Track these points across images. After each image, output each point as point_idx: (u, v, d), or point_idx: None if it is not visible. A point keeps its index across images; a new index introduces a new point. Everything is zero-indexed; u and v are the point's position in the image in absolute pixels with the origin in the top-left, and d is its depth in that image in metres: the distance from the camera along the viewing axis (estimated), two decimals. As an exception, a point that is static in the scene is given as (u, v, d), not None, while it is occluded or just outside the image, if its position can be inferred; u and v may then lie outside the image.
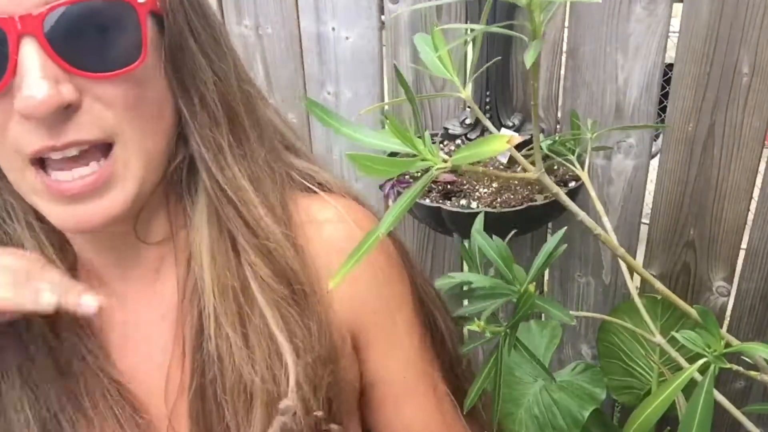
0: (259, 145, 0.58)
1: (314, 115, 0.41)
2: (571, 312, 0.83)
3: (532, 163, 0.49)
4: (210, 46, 0.53)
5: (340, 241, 0.62)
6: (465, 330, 0.72)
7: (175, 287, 0.59)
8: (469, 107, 1.32)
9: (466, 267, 0.72)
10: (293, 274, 0.57)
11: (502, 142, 0.36)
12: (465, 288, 0.62)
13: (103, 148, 0.49)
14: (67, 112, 0.46)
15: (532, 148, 0.89)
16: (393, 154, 0.78)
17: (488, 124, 0.50)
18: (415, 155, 0.38)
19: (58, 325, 0.57)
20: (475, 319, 0.57)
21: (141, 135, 0.50)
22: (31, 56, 0.44)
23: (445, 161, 0.39)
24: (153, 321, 0.60)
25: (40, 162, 0.49)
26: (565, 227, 0.66)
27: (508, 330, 0.58)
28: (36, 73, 0.44)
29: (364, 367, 0.65)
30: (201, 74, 0.52)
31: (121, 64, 0.47)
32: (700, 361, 0.46)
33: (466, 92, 0.47)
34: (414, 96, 0.39)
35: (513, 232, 0.75)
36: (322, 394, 0.57)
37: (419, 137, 0.39)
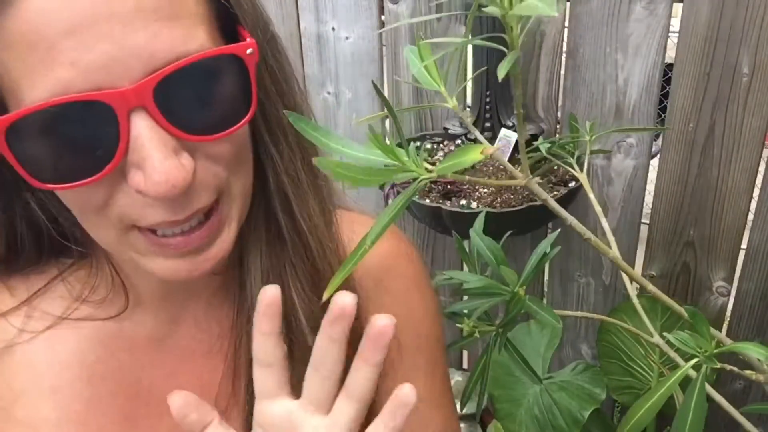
0: (322, 174, 0.56)
1: (300, 131, 0.41)
2: (570, 313, 0.83)
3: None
4: (286, 83, 0.52)
5: (383, 258, 0.63)
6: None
7: (230, 309, 0.59)
8: (469, 107, 1.32)
9: (466, 266, 0.73)
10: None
11: (476, 153, 0.37)
12: (462, 287, 0.62)
13: None
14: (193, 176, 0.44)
15: (533, 150, 0.89)
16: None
17: (476, 133, 0.50)
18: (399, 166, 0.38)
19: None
20: (465, 318, 0.57)
21: (242, 181, 0.49)
22: (146, 132, 0.41)
23: (429, 171, 0.39)
24: (208, 342, 0.60)
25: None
26: (560, 229, 0.66)
27: (499, 330, 0.58)
28: (158, 153, 0.41)
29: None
30: (280, 111, 0.50)
31: (235, 120, 0.45)
32: (693, 361, 0.46)
33: (453, 102, 0.47)
34: (394, 110, 0.40)
35: (509, 233, 0.75)
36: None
37: (399, 144, 0.40)
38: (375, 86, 0.39)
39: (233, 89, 0.44)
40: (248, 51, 0.44)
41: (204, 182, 0.45)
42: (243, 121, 0.45)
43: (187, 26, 0.41)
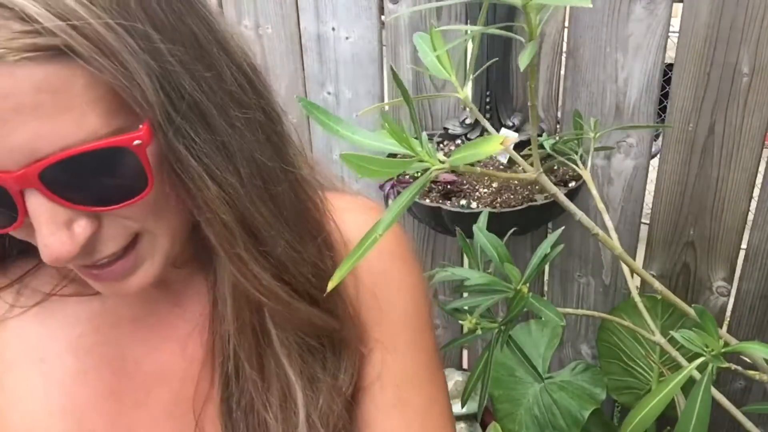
0: (296, 198, 0.55)
1: (313, 117, 0.41)
2: (571, 311, 0.83)
3: (531, 164, 0.49)
4: (217, 138, 0.49)
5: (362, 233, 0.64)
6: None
7: (203, 303, 0.62)
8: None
9: (466, 262, 0.73)
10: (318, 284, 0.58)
11: (497, 143, 0.36)
12: (464, 283, 0.62)
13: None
14: (90, 237, 0.46)
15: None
16: (392, 155, 0.78)
17: (486, 124, 0.50)
18: (412, 156, 0.38)
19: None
20: (467, 315, 0.57)
21: (164, 222, 0.50)
22: (37, 208, 0.44)
23: (442, 162, 0.39)
24: (182, 322, 0.62)
25: None
26: (562, 228, 0.66)
27: (501, 327, 0.58)
28: (45, 229, 0.44)
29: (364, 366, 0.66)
30: (232, 153, 0.49)
31: (130, 195, 0.46)
32: (698, 360, 0.46)
33: (464, 93, 0.47)
34: (411, 98, 0.39)
35: (511, 232, 0.75)
36: (337, 428, 0.60)
37: (416, 138, 0.39)
38: (394, 72, 0.39)
39: (124, 173, 0.45)
40: (135, 143, 0.44)
41: (111, 235, 0.47)
42: (137, 198, 0.46)
43: (76, 116, 0.41)
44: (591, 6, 0.32)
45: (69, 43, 0.39)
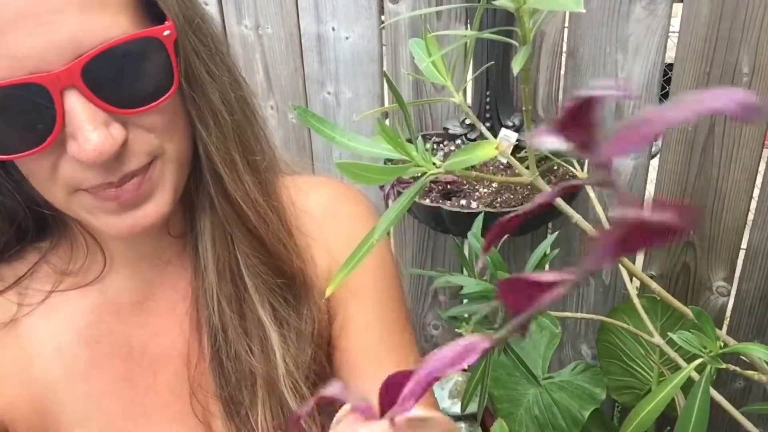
0: (261, 148, 0.62)
1: (308, 125, 0.42)
2: (570, 314, 0.83)
3: (528, 167, 0.49)
4: (213, 63, 0.56)
5: (326, 201, 0.69)
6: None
7: (192, 271, 0.66)
8: (469, 107, 1.32)
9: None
10: (286, 262, 0.63)
11: (491, 148, 0.36)
12: (461, 292, 0.62)
13: None
14: (121, 146, 0.50)
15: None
16: (390, 159, 0.79)
17: (482, 128, 0.50)
18: (408, 161, 0.38)
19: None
20: (463, 324, 0.57)
21: (176, 147, 0.54)
22: (77, 107, 0.47)
23: (438, 166, 0.39)
24: (176, 299, 0.66)
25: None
26: (560, 230, 0.66)
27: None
28: (88, 125, 0.47)
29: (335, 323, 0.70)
30: (209, 92, 0.55)
31: (159, 94, 0.50)
32: (697, 362, 0.46)
33: (460, 97, 0.47)
34: (405, 103, 0.39)
35: (507, 235, 0.75)
36: (311, 374, 0.64)
37: (409, 140, 0.39)
38: (387, 78, 0.39)
39: (155, 67, 0.50)
40: (165, 33, 0.49)
41: (136, 148, 0.51)
42: (166, 96, 0.50)
43: (112, 14, 0.47)
44: (584, 11, 0.32)
45: None
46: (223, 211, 0.60)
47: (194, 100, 0.55)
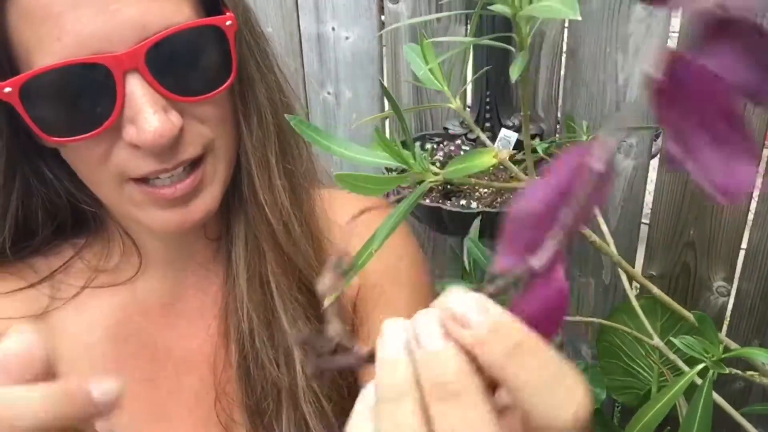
0: (299, 155, 0.62)
1: (304, 135, 0.42)
2: (569, 318, 0.83)
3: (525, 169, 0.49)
4: (262, 61, 0.57)
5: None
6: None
7: (224, 276, 0.65)
8: (469, 107, 1.32)
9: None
10: (309, 273, 0.62)
11: (489, 156, 0.36)
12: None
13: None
14: (178, 133, 0.50)
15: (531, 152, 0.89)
16: (388, 168, 0.79)
17: (479, 132, 0.50)
18: (406, 170, 0.38)
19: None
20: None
21: (226, 143, 0.55)
22: (138, 90, 0.47)
23: (436, 174, 0.39)
24: (205, 303, 0.65)
25: (142, 178, 0.52)
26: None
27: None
28: (149, 108, 0.47)
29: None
30: (257, 90, 0.56)
31: (217, 84, 0.50)
32: (699, 366, 0.46)
33: (457, 103, 0.47)
34: (401, 111, 0.40)
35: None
36: (334, 391, 0.62)
37: (403, 142, 0.40)
38: (383, 86, 0.39)
39: (215, 56, 0.50)
40: (227, 23, 0.49)
41: (190, 138, 0.51)
42: (224, 86, 0.51)
43: (176, 1, 0.47)
44: (579, 18, 0.32)
45: None
46: (254, 216, 0.59)
47: (243, 96, 0.55)
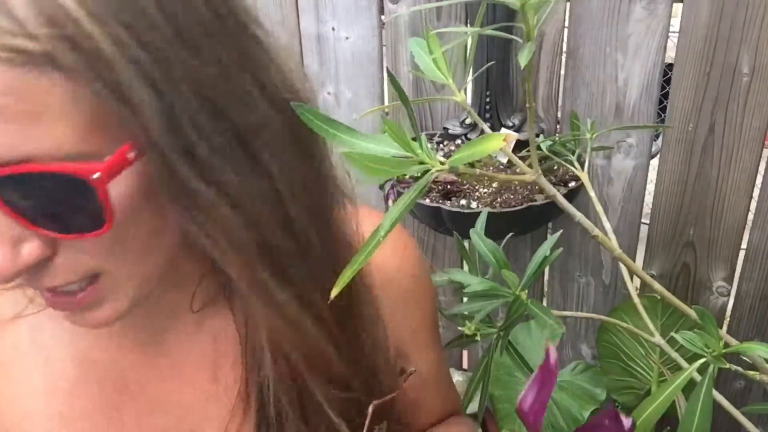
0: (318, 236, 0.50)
1: (309, 124, 0.40)
2: (570, 313, 0.83)
3: (530, 165, 0.49)
4: (232, 157, 0.43)
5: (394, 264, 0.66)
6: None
7: (226, 324, 0.60)
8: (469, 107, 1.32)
9: (466, 265, 0.73)
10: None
11: (498, 141, 0.36)
12: (464, 289, 0.62)
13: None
14: (37, 263, 0.42)
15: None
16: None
17: (485, 126, 0.50)
18: (412, 158, 0.38)
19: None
20: (466, 321, 0.57)
21: (129, 265, 0.46)
22: None
23: (442, 163, 0.39)
24: (210, 356, 0.60)
25: None
26: (561, 230, 0.66)
27: (500, 332, 0.58)
28: None
29: None
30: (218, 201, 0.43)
31: (85, 229, 0.41)
32: (699, 362, 0.46)
33: (462, 96, 0.47)
34: (408, 100, 0.39)
35: (510, 235, 0.75)
36: None
37: (414, 139, 0.39)
38: (390, 75, 0.38)
39: (81, 204, 0.40)
40: (94, 176, 0.38)
41: (64, 267, 0.43)
42: (91, 234, 0.41)
43: (43, 126, 0.37)
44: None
45: (52, 53, 0.34)
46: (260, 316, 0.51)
47: (192, 218, 0.43)
